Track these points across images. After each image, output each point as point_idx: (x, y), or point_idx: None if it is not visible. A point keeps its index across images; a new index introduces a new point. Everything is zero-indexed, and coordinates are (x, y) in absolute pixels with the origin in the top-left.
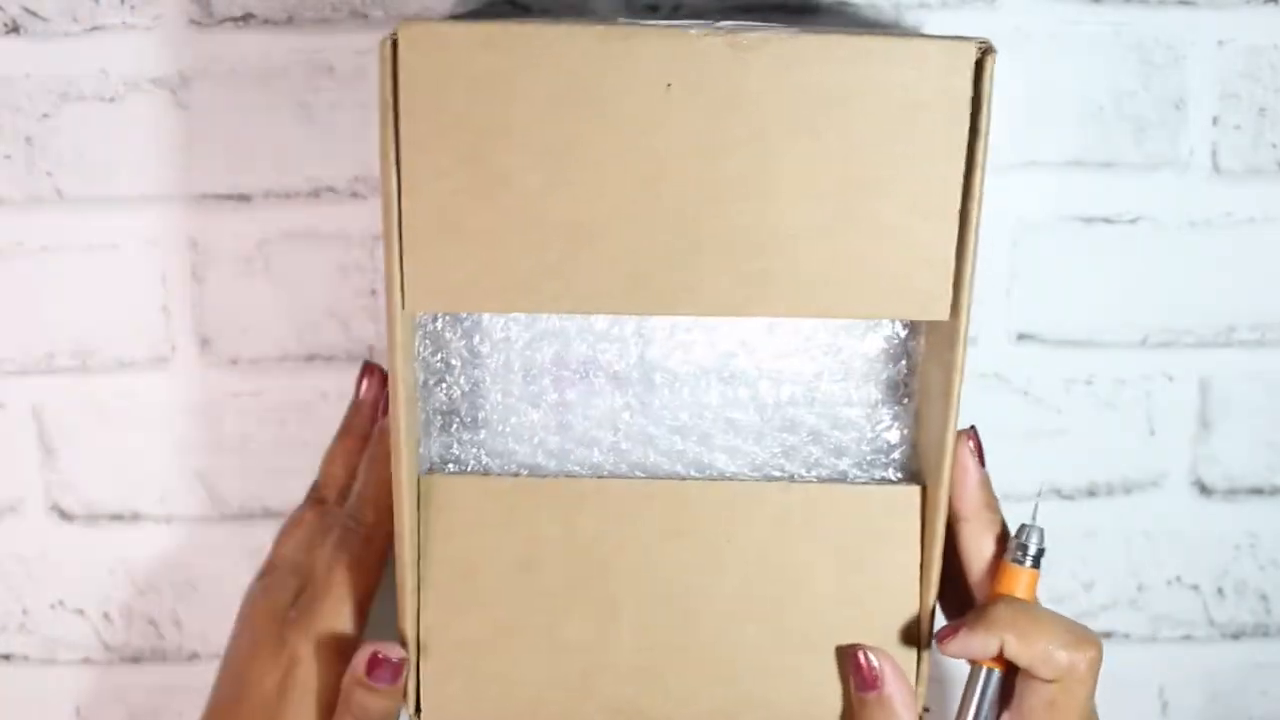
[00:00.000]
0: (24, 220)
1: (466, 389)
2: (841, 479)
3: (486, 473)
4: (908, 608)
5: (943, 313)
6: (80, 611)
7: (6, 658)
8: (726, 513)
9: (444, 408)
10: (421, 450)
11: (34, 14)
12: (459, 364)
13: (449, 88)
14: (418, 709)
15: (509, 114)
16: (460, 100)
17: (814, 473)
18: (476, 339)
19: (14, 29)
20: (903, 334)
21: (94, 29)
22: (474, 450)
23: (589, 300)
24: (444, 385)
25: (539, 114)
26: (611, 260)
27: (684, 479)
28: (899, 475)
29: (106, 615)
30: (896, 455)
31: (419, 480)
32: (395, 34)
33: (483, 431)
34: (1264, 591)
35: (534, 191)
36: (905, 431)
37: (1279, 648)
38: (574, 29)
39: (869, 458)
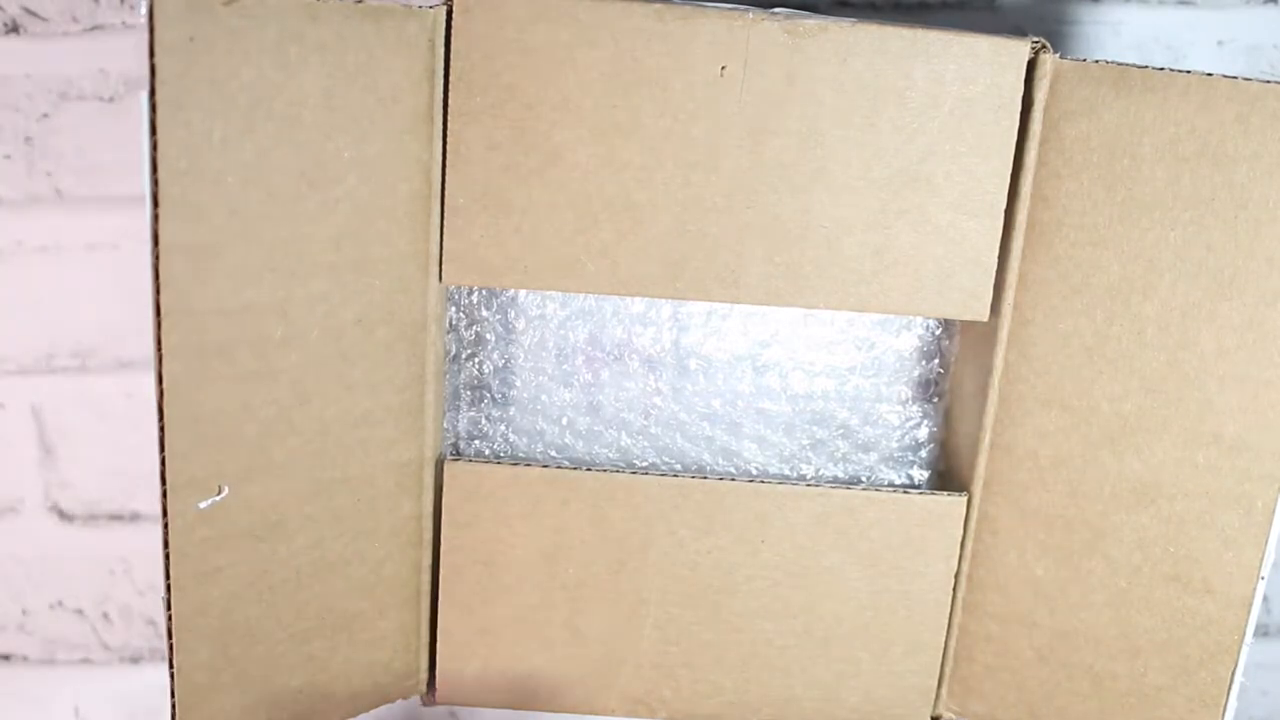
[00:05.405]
0: (24, 220)
1: (499, 364)
2: (868, 474)
3: (514, 451)
4: (937, 618)
5: (982, 313)
6: (80, 612)
7: (6, 658)
8: (762, 515)
9: (474, 382)
10: (447, 425)
11: (34, 14)
12: (492, 339)
13: (502, 58)
14: (430, 689)
15: (561, 88)
16: (512, 71)
17: (840, 467)
18: (511, 314)
19: (14, 29)
20: (937, 332)
21: (94, 29)
22: (501, 427)
23: (629, 283)
24: (475, 360)
25: (591, 90)
26: (655, 243)
27: (720, 478)
28: (925, 473)
29: (106, 615)
30: (924, 453)
31: (444, 464)
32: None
33: (512, 408)
34: None
35: (581, 169)
36: (934, 430)
37: (1279, 648)
38: (631, 6)
39: (896, 454)
